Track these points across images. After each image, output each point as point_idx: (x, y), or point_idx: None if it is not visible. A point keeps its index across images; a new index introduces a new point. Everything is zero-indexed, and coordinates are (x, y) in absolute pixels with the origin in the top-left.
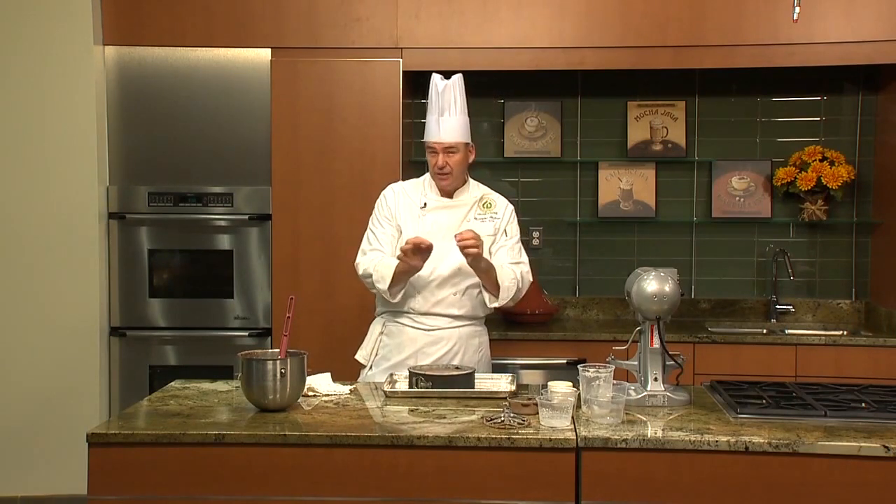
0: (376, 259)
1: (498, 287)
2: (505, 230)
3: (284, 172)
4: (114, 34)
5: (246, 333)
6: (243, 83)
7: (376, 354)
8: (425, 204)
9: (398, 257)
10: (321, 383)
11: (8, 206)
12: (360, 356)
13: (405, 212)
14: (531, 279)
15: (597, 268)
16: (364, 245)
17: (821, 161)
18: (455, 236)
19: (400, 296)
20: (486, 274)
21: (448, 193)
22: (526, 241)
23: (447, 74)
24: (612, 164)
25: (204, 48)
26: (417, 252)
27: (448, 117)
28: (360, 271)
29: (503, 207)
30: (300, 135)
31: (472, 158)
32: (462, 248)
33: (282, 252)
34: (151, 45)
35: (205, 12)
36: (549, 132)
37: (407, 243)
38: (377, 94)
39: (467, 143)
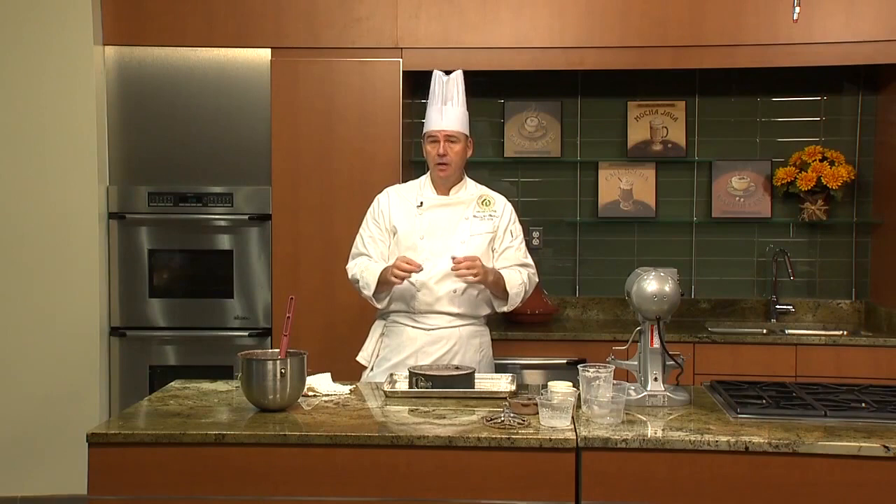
0: (363, 265)
1: (506, 293)
2: (510, 231)
3: (284, 172)
4: (114, 34)
5: (246, 333)
6: (243, 83)
7: (377, 356)
8: (422, 202)
9: (390, 271)
10: (321, 383)
11: (8, 206)
12: (362, 358)
13: (400, 213)
14: (537, 280)
15: (597, 268)
16: (353, 250)
17: (821, 161)
18: (452, 264)
19: (386, 301)
20: (495, 285)
21: (445, 191)
22: (526, 241)
23: (447, 73)
24: (612, 164)
25: (204, 48)
26: (405, 272)
27: (451, 107)
28: (349, 276)
29: (502, 206)
30: (300, 135)
31: (470, 153)
32: (458, 276)
33: (282, 252)
34: (151, 45)
35: (205, 12)
36: (549, 132)
37: (399, 259)
38: (377, 94)
39: (467, 136)
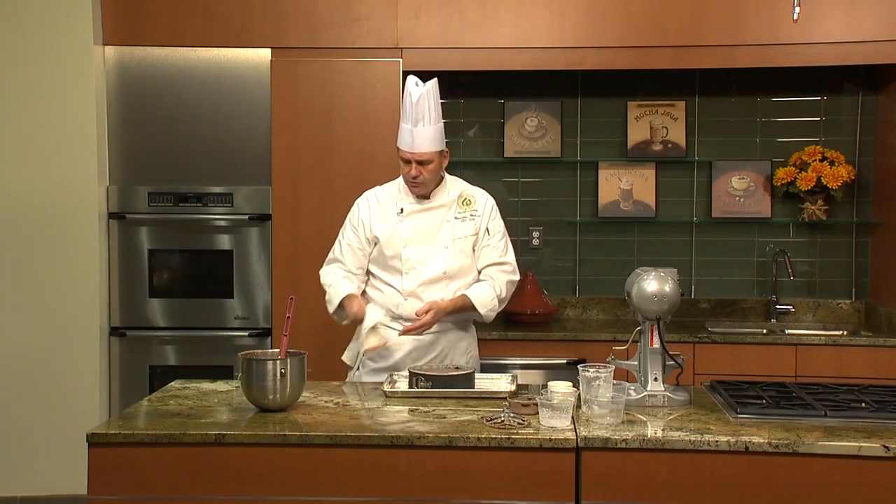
0: (332, 278)
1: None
2: (487, 228)
3: (284, 172)
4: (114, 34)
5: (246, 333)
6: (243, 83)
7: (362, 355)
8: (402, 209)
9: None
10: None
11: (8, 206)
12: (347, 357)
13: (380, 221)
14: (517, 278)
15: (597, 268)
16: (329, 254)
17: (821, 161)
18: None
19: (345, 323)
20: (461, 310)
21: (424, 196)
22: (526, 241)
23: (423, 77)
24: (612, 164)
25: (204, 48)
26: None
27: (422, 128)
28: (321, 281)
29: (483, 203)
30: (300, 135)
31: (445, 163)
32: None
33: (282, 252)
34: (151, 45)
35: (205, 12)
36: (549, 132)
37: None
38: (377, 94)
39: (441, 151)
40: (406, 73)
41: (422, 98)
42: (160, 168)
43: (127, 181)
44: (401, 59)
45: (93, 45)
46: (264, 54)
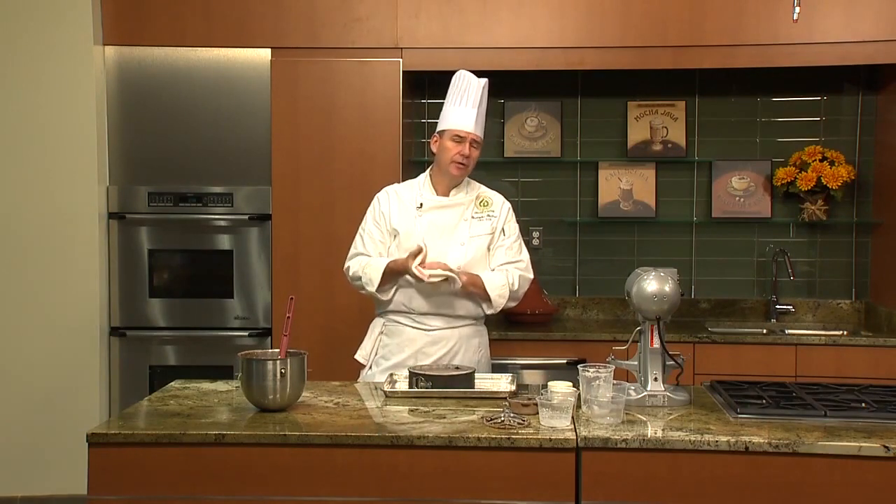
0: (363, 262)
1: (488, 295)
2: (503, 229)
3: (284, 172)
4: (114, 34)
5: (246, 333)
6: (243, 83)
7: (376, 353)
8: (421, 204)
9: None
10: None
11: (8, 206)
12: (360, 356)
13: (399, 214)
14: (531, 276)
15: (597, 268)
16: (352, 249)
17: (821, 161)
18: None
19: (392, 293)
20: (472, 286)
21: (445, 192)
22: (526, 242)
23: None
24: (612, 164)
25: (204, 48)
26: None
27: (481, 111)
28: (350, 274)
29: (500, 205)
30: (300, 135)
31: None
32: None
33: (282, 252)
34: (151, 45)
35: (205, 12)
36: (549, 132)
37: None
38: (377, 94)
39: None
40: (406, 73)
41: (482, 86)
42: (160, 168)
43: (127, 181)
44: (401, 59)
45: (93, 45)
46: (264, 54)
